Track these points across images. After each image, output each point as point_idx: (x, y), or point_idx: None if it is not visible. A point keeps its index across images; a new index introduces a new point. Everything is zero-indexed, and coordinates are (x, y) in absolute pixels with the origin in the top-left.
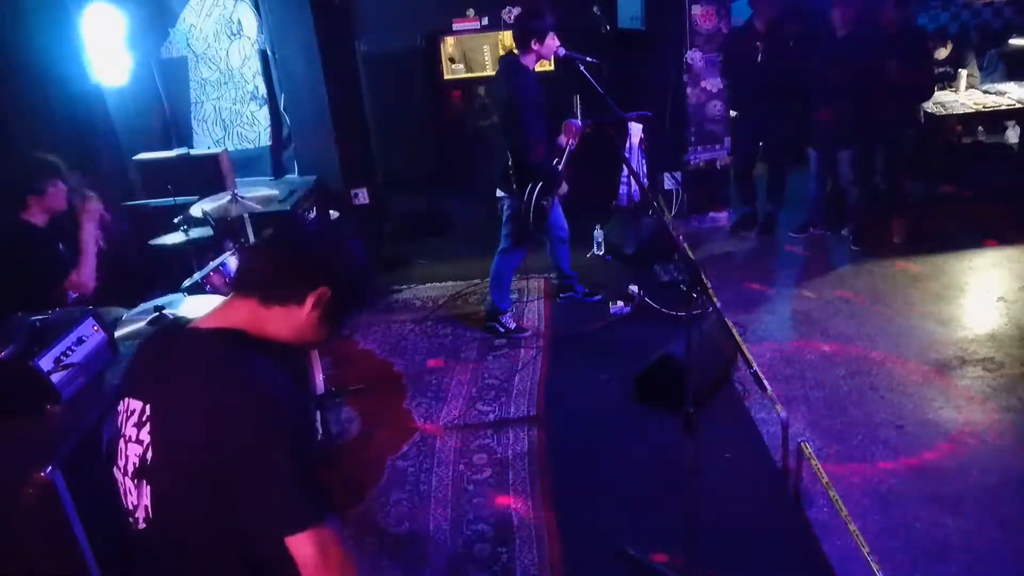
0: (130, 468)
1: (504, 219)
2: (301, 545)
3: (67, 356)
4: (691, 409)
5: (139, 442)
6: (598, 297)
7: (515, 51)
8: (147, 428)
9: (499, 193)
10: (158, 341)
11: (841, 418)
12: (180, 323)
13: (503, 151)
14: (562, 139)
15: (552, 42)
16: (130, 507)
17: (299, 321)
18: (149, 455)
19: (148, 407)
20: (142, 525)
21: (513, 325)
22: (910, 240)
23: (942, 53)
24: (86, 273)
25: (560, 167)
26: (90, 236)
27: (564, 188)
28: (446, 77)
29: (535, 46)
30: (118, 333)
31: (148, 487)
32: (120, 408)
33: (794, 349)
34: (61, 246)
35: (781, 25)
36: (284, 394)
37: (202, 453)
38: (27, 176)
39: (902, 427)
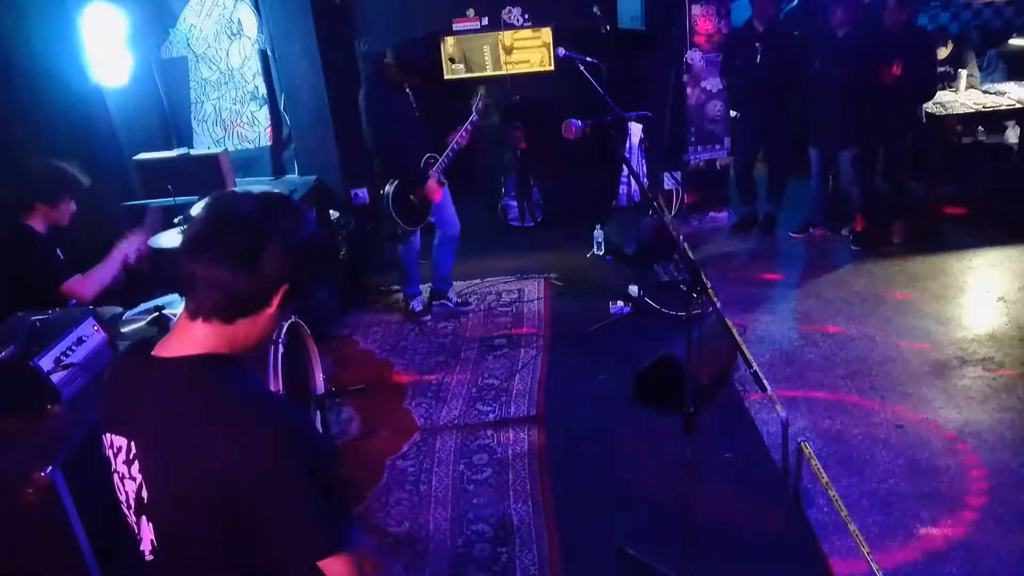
0: (131, 504)
1: None
2: (331, 571)
3: (67, 356)
4: (691, 409)
5: (132, 479)
6: (469, 307)
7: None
8: (136, 466)
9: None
10: (127, 372)
11: (841, 418)
12: (144, 349)
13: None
14: (451, 136)
15: (411, 81)
16: (138, 538)
17: (263, 322)
18: (144, 493)
19: (133, 444)
20: (150, 557)
21: (419, 308)
22: (910, 240)
23: (942, 53)
24: (93, 280)
25: (437, 165)
26: (119, 257)
27: (433, 188)
28: (446, 77)
29: (395, 71)
30: (118, 333)
31: (150, 524)
32: (105, 443)
33: (794, 349)
34: (60, 252)
35: (780, 25)
36: (288, 413)
37: (210, 488)
38: (48, 184)
39: (902, 427)
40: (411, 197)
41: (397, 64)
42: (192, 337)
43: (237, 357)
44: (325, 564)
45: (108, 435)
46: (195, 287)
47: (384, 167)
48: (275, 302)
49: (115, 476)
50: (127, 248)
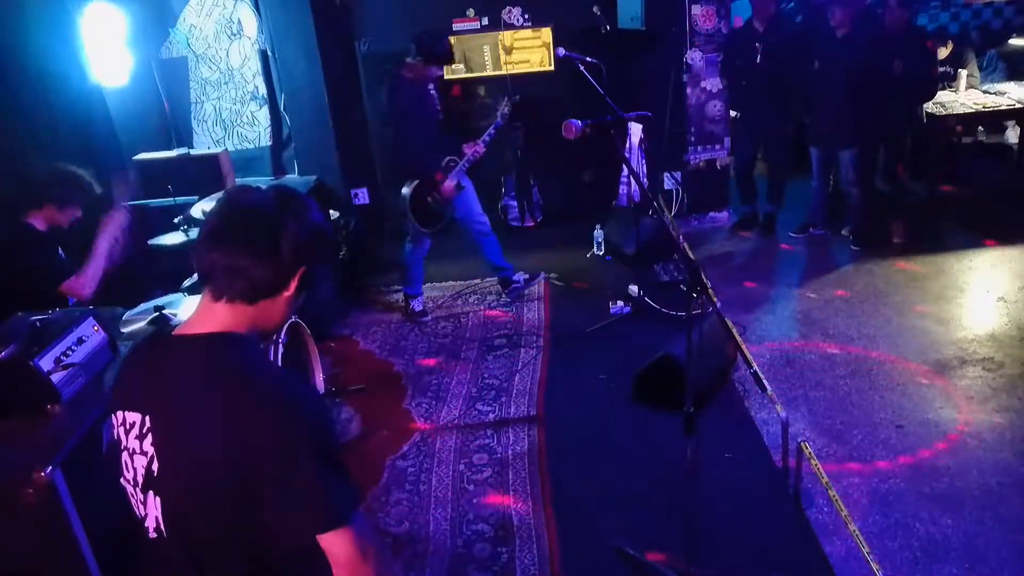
0: (139, 480)
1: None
2: (335, 543)
3: (67, 356)
4: (691, 409)
5: (143, 454)
6: (541, 276)
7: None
8: (149, 439)
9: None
10: (145, 352)
11: (841, 418)
12: (164, 332)
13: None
14: (467, 147)
15: (436, 72)
16: (141, 516)
17: (282, 304)
18: (155, 466)
19: (148, 418)
20: (153, 535)
21: (419, 308)
22: (910, 240)
23: (942, 53)
24: (88, 277)
25: (454, 172)
26: (105, 244)
27: (449, 190)
28: (446, 77)
29: (419, 66)
30: (119, 333)
31: (157, 498)
32: (115, 422)
33: (794, 349)
34: (61, 251)
35: (780, 25)
36: (299, 389)
37: (220, 460)
38: (63, 186)
39: (902, 427)
40: (429, 199)
41: (422, 56)
42: (213, 317)
43: (253, 337)
44: (327, 539)
45: (121, 412)
46: (216, 275)
47: (405, 167)
48: (293, 284)
49: (123, 454)
50: (110, 230)
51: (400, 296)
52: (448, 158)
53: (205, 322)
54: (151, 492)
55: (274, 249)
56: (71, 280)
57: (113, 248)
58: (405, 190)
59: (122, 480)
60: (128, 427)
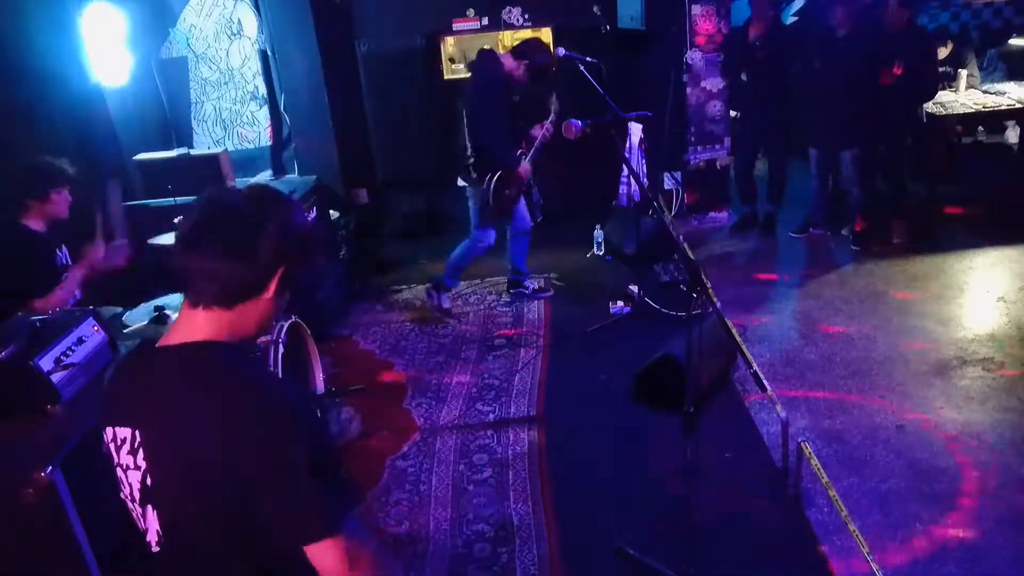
0: (136, 495)
1: (472, 209)
2: (320, 554)
3: (67, 356)
4: (691, 409)
5: (137, 468)
6: (548, 293)
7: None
8: (141, 454)
9: (460, 183)
10: (130, 365)
11: (841, 418)
12: (146, 345)
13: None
14: (535, 130)
15: (516, 73)
16: (142, 530)
17: (262, 306)
18: (149, 479)
19: (138, 432)
20: (156, 548)
21: (447, 306)
22: (910, 240)
23: (942, 53)
24: (55, 302)
25: (527, 157)
26: (78, 274)
27: (527, 173)
28: (446, 77)
29: (520, 67)
30: (119, 333)
31: (155, 512)
32: (106, 438)
33: (794, 349)
34: (62, 253)
35: (780, 25)
36: (289, 394)
37: (217, 460)
38: (32, 179)
39: (902, 427)
40: (507, 191)
41: (527, 58)
42: (193, 325)
43: (238, 343)
44: (315, 550)
45: (111, 429)
46: (194, 279)
47: (486, 159)
48: (272, 286)
49: (118, 470)
50: (84, 264)
51: (401, 296)
52: (519, 151)
53: (187, 331)
54: (148, 506)
55: (250, 250)
56: (36, 304)
57: (90, 274)
58: (486, 184)
59: (121, 495)
60: (119, 443)
